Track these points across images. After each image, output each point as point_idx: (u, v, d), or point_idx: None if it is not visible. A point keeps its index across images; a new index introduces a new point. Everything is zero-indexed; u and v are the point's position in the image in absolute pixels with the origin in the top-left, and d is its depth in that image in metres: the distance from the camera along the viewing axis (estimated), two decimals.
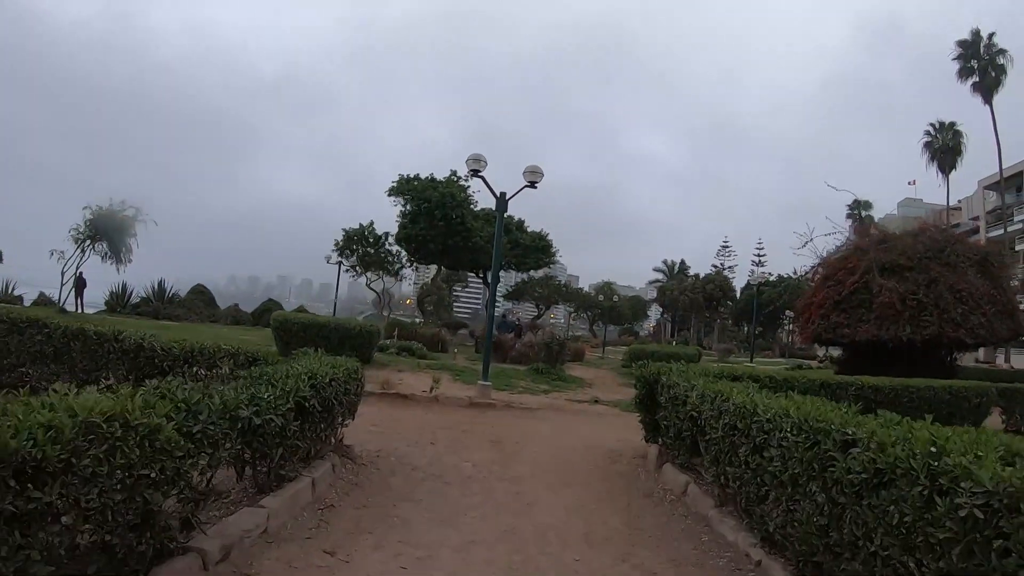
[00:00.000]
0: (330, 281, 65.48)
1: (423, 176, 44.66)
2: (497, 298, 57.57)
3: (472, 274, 60.31)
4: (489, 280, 54.37)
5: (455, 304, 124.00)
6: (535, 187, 16.03)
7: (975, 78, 56.81)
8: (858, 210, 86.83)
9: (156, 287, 46.15)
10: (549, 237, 53.63)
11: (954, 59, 57.49)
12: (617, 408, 16.42)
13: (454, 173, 44.97)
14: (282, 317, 19.73)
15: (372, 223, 50.80)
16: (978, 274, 27.00)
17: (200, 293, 49.48)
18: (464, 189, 44.28)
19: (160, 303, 43.93)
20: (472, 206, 45.33)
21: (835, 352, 40.87)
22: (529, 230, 52.93)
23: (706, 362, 28.00)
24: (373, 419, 11.45)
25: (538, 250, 52.53)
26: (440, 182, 44.20)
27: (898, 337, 25.45)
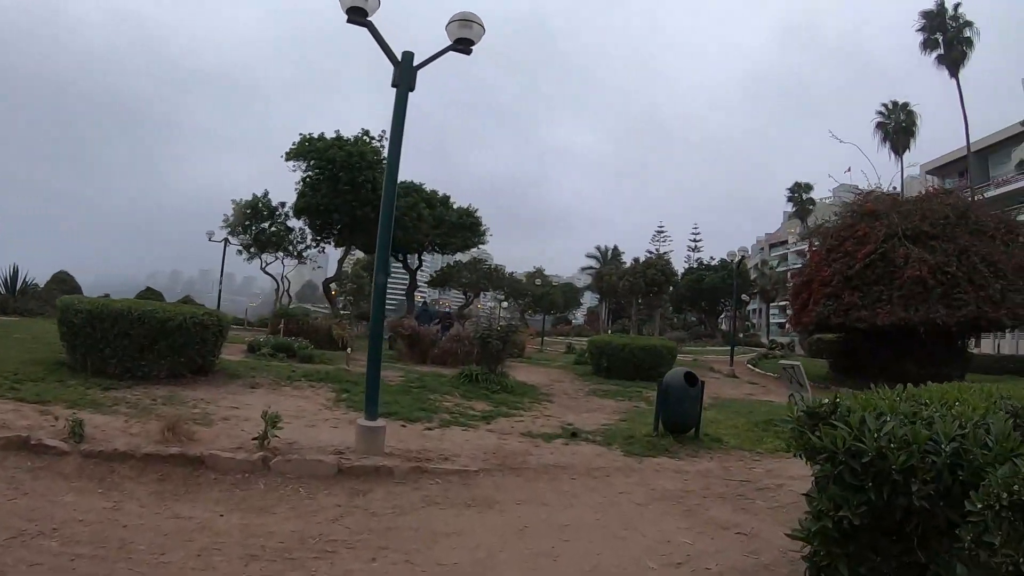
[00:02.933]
0: (254, 274, 57.20)
1: (329, 136, 37.28)
2: (420, 284, 50.97)
3: (393, 258, 53.93)
4: (411, 263, 50.05)
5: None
6: (468, 52, 8.77)
7: (940, 51, 55.03)
8: (798, 193, 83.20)
9: (8, 277, 38.08)
10: (478, 213, 47.48)
11: (917, 30, 55.85)
12: (614, 447, 10.00)
13: (365, 132, 37.75)
14: (65, 303, 12.32)
15: (267, 192, 43.47)
16: (1003, 245, 22.46)
17: (62, 282, 41.38)
18: (377, 151, 36.85)
19: (12, 295, 36.11)
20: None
21: (817, 338, 35.31)
22: (455, 206, 47.07)
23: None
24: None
25: (465, 228, 46.76)
26: (347, 140, 36.87)
27: (930, 320, 20.52)
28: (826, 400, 4.20)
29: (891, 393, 4.63)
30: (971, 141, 55.72)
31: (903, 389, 4.84)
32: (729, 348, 31.90)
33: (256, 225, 43.15)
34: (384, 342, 23.55)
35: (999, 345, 44.66)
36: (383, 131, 38.42)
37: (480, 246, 52.25)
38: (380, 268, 8.72)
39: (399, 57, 8.22)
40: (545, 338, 48.77)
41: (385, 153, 37.55)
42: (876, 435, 3.40)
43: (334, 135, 37.05)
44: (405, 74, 8.16)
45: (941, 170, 58.25)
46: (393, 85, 8.26)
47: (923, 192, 27.55)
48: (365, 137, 37.52)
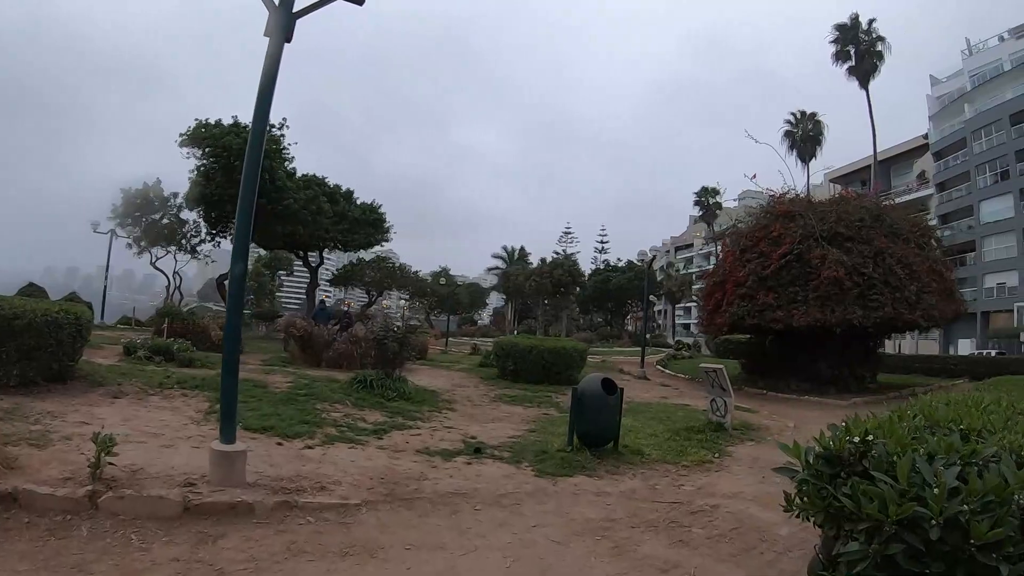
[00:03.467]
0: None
1: (227, 123, 34.75)
2: (321, 283, 48.82)
3: (292, 255, 52.06)
4: (312, 262, 48.28)
5: (281, 292, 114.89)
6: (360, 2, 7.24)
7: (851, 62, 58.30)
8: (705, 197, 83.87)
9: None
10: (382, 209, 45.84)
11: (831, 42, 58.95)
12: (524, 465, 8.72)
13: None
14: None
15: (159, 181, 40.94)
16: (917, 248, 22.64)
17: None
18: (277, 140, 34.93)
19: None
20: (287, 162, 36.41)
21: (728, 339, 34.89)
22: (359, 202, 45.34)
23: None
24: None
25: (369, 224, 45.06)
26: (245, 127, 33.69)
27: (847, 321, 21.11)
28: (855, 439, 2.96)
29: (912, 418, 3.45)
30: (877, 151, 59.07)
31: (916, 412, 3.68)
32: (638, 349, 30.89)
33: (147, 217, 40.52)
34: (277, 343, 21.74)
35: (900, 345, 45.38)
36: (284, 119, 36.64)
37: (384, 243, 50.65)
38: (237, 255, 7.12)
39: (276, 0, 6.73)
40: (450, 339, 47.57)
41: (287, 143, 36.31)
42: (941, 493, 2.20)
43: (232, 121, 34.74)
44: (282, 19, 6.68)
45: (844, 178, 60.57)
46: (266, 35, 6.78)
47: (836, 195, 27.42)
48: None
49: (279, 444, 8.64)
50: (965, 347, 52.19)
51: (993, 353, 43.24)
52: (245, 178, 6.83)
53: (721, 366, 13.25)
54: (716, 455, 10.53)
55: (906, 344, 47.52)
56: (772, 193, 25.95)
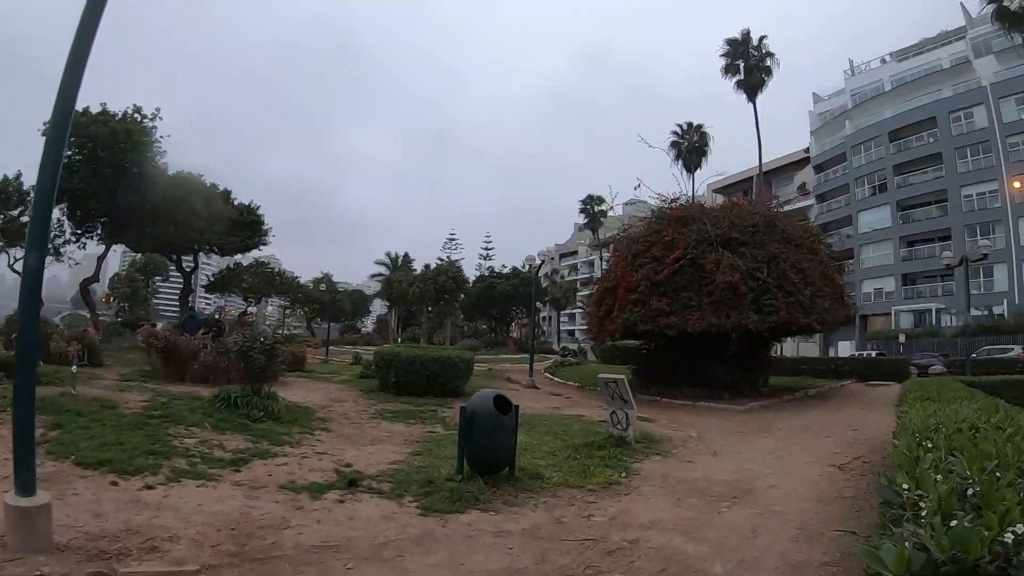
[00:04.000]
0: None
1: (94, 110, 31.65)
2: (196, 289, 46.17)
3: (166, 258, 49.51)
4: (186, 266, 45.70)
5: (159, 299, 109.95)
6: None
7: (740, 76, 60.21)
8: (591, 205, 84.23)
9: None
10: (260, 211, 43.83)
11: (721, 55, 60.89)
12: (407, 500, 7.48)
13: (136, 109, 32.94)
14: None
15: (20, 175, 37.09)
16: (809, 253, 23.31)
17: None
18: (148, 131, 32.58)
19: None
20: (159, 156, 34.07)
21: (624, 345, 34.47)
22: (237, 202, 43.33)
23: None
24: None
25: (246, 226, 42.73)
26: (113, 116, 31.85)
27: (742, 326, 21.02)
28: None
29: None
30: (762, 162, 61.32)
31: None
32: (525, 356, 30.00)
33: (4, 214, 37.33)
34: (146, 351, 19.70)
35: (781, 348, 46.05)
36: (157, 108, 34.05)
37: (262, 247, 48.51)
38: (32, 244, 5.63)
39: None
40: (332, 348, 45.71)
41: (159, 135, 33.78)
42: None
43: (100, 109, 31.92)
44: None
45: (726, 189, 62.04)
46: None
47: (727, 202, 27.22)
48: (136, 114, 32.74)
49: (114, 484, 7.10)
50: (845, 349, 54.40)
51: (873, 354, 44.65)
52: (48, 150, 5.32)
53: (622, 376, 12.32)
54: (623, 474, 9.60)
55: (787, 347, 48.29)
56: (663, 197, 25.44)
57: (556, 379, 30.29)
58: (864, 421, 17.13)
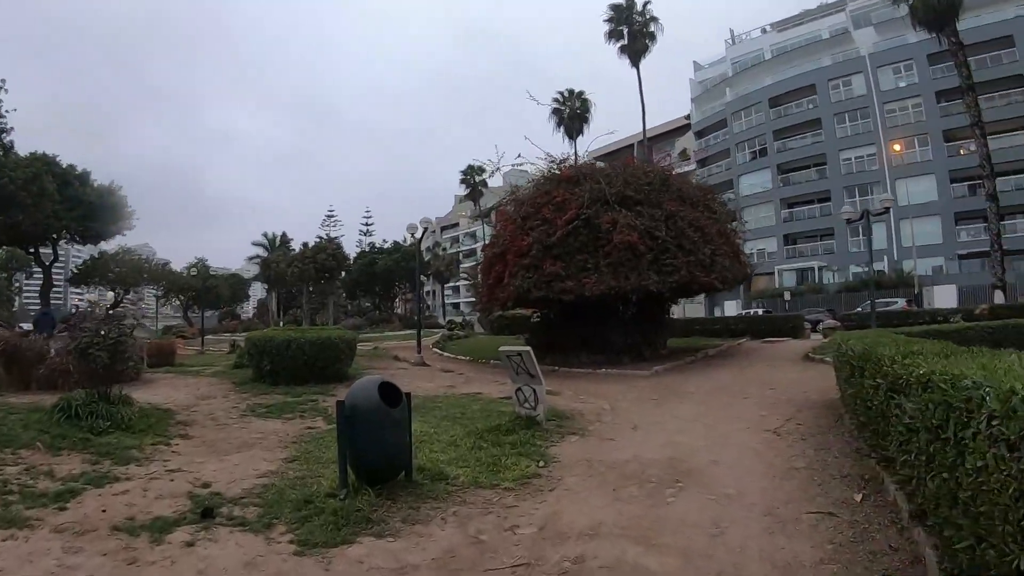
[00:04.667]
0: None
1: None
2: (58, 283, 42.78)
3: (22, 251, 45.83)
4: (45, 258, 42.19)
5: (25, 297, 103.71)
6: None
7: (624, 41, 59.71)
8: (471, 175, 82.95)
9: None
10: (123, 192, 40.84)
11: (605, 20, 59.98)
12: (278, 532, 5.78)
13: None
14: None
15: None
16: (707, 211, 22.62)
17: None
18: None
19: None
20: (3, 132, 31.07)
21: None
22: (96, 184, 40.08)
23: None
24: None
25: (107, 210, 39.70)
26: None
27: (643, 287, 19.91)
28: None
29: None
30: (646, 129, 62.18)
31: None
32: (411, 332, 28.16)
33: None
34: None
35: (668, 310, 46.42)
36: (2, 80, 31.34)
37: (126, 231, 45.35)
38: None
39: None
40: (209, 337, 43.14)
41: (5, 109, 30.89)
42: None
43: None
44: None
45: (608, 156, 61.52)
46: None
47: (620, 163, 26.23)
48: None
49: None
50: (731, 308, 55.95)
51: (760, 312, 46.01)
52: None
53: (528, 348, 10.91)
54: (541, 463, 8.28)
55: (674, 309, 48.80)
56: (551, 158, 24.10)
57: (446, 354, 28.78)
58: (776, 379, 16.49)
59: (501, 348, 11.35)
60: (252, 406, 13.28)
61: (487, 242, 27.37)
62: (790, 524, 5.83)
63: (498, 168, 24.21)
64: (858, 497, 6.51)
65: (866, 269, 51.76)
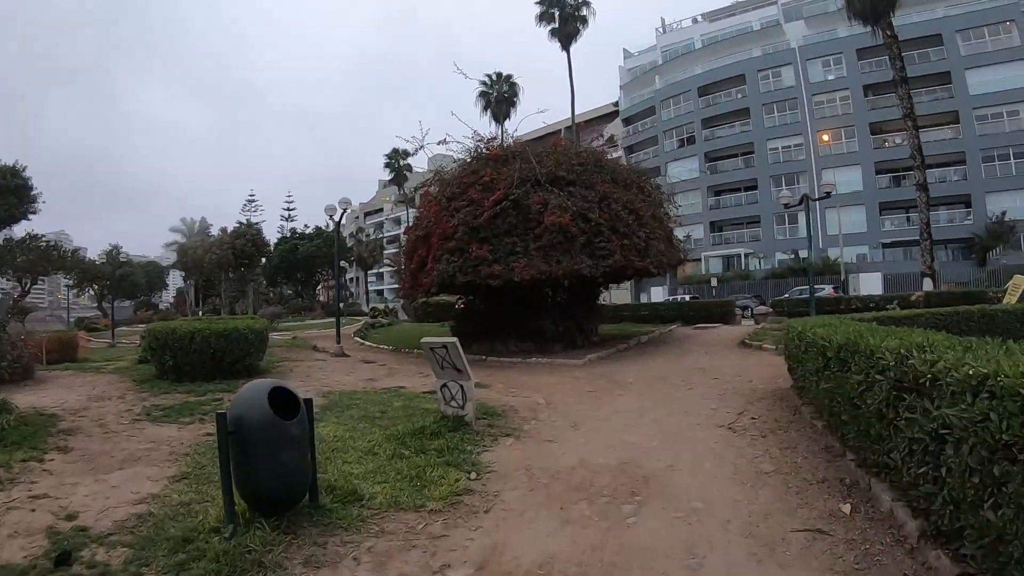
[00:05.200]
0: None
1: None
2: None
3: None
4: None
5: None
6: None
7: (555, 24, 59.60)
8: (396, 159, 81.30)
9: None
10: (26, 173, 38.42)
11: (536, 2, 59.93)
12: None
13: None
14: None
15: None
16: (641, 194, 21.68)
17: None
18: None
19: None
20: None
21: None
22: None
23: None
24: None
25: (9, 192, 37.23)
26: None
27: (576, 271, 18.71)
28: None
29: None
30: (575, 114, 62.04)
31: None
32: (334, 320, 26.38)
33: None
34: None
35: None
36: None
37: (31, 215, 42.76)
38: None
39: None
40: (124, 328, 41.03)
41: None
42: None
43: None
44: None
45: (536, 142, 60.88)
46: None
47: (549, 142, 25.17)
48: None
49: None
50: (658, 294, 55.44)
51: (687, 298, 45.31)
52: None
53: (453, 340, 9.61)
54: (473, 474, 7.09)
55: (602, 294, 48.84)
56: (478, 137, 22.86)
57: (368, 343, 27.44)
58: (717, 368, 15.66)
59: (424, 340, 9.95)
60: (149, 408, 11.57)
61: (410, 224, 25.95)
62: (778, 547, 4.87)
63: (422, 146, 22.66)
64: (846, 508, 5.63)
65: (792, 256, 53.73)
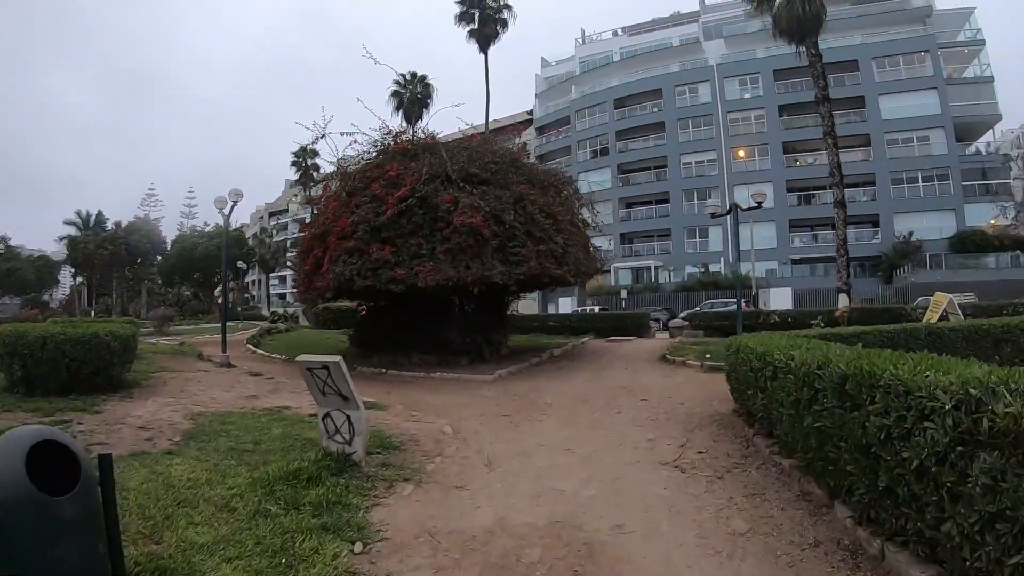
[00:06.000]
0: None
1: None
2: None
3: None
4: None
5: None
6: None
7: (474, 26, 58.90)
8: (303, 158, 78.90)
9: None
10: None
11: (456, 2, 59.17)
12: None
13: None
14: None
15: None
16: (557, 197, 20.47)
17: None
18: None
19: None
20: None
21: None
22: None
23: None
24: None
25: None
26: None
27: (486, 278, 17.03)
28: None
29: None
30: (489, 120, 61.78)
31: None
32: (232, 324, 24.04)
33: None
34: None
35: None
36: None
37: None
38: None
39: None
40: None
41: None
42: None
43: None
44: None
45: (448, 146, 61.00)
46: None
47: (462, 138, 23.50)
48: None
49: None
50: (566, 305, 54.84)
51: (596, 310, 45.03)
52: None
53: (336, 359, 7.37)
54: (357, 544, 5.32)
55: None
56: (386, 129, 21.08)
57: (260, 351, 25.35)
58: (643, 386, 14.20)
59: (300, 358, 7.71)
60: None
61: (306, 221, 23.88)
62: None
63: (323, 135, 20.57)
64: None
65: (703, 270, 53.59)
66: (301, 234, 23.92)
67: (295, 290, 34.75)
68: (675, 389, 13.45)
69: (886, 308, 28.64)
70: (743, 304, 37.35)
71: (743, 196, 53.60)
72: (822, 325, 21.09)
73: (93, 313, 63.38)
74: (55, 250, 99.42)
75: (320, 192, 21.49)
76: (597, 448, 8.77)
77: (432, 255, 16.84)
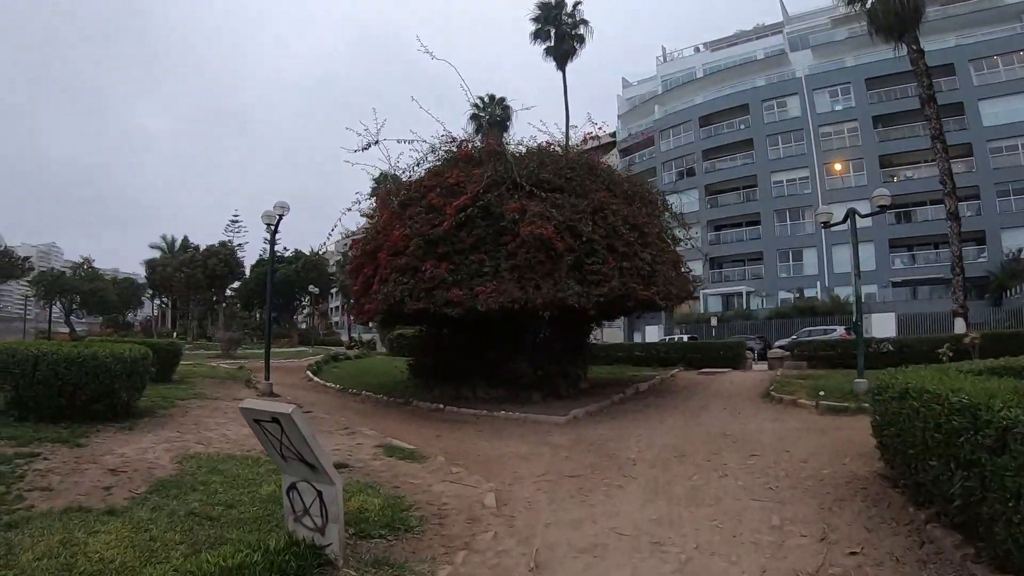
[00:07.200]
0: None
1: None
2: None
3: None
4: None
5: None
6: None
7: (550, 43, 55.95)
8: (385, 183, 77.35)
9: None
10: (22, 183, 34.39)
11: (531, 19, 56.23)
12: None
13: None
14: None
15: None
16: (644, 208, 17.70)
17: None
18: None
19: None
20: None
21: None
22: None
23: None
24: None
25: None
26: None
27: (560, 300, 14.25)
28: None
29: None
30: (568, 142, 56.93)
31: None
32: (305, 350, 21.99)
33: None
34: None
35: None
36: None
37: None
38: None
39: None
40: None
41: None
42: None
43: None
44: None
45: None
46: None
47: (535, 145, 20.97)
48: None
49: None
50: (652, 334, 51.73)
51: (685, 339, 41.16)
52: None
53: (290, 410, 4.72)
54: None
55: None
56: (449, 138, 18.51)
57: (316, 380, 23.26)
58: (750, 434, 11.43)
59: (243, 406, 5.13)
60: None
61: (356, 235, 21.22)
62: None
63: (376, 141, 17.87)
64: None
65: (797, 295, 49.93)
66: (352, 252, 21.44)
67: (348, 311, 32.69)
68: (791, 439, 10.61)
69: (1015, 333, 24.88)
70: (845, 331, 34.08)
71: (837, 216, 50.45)
72: (950, 355, 17.97)
73: (175, 334, 62.99)
74: (138, 273, 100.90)
75: (374, 204, 18.96)
76: (700, 543, 5.98)
77: (496, 273, 14.42)
